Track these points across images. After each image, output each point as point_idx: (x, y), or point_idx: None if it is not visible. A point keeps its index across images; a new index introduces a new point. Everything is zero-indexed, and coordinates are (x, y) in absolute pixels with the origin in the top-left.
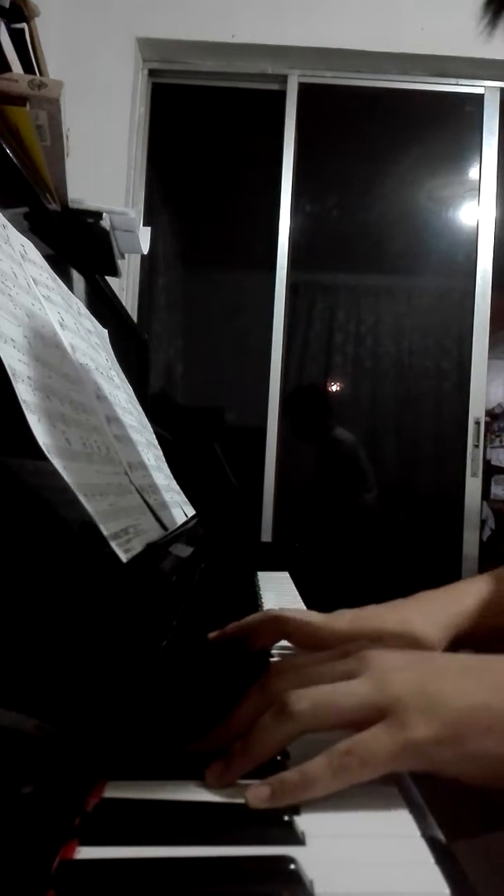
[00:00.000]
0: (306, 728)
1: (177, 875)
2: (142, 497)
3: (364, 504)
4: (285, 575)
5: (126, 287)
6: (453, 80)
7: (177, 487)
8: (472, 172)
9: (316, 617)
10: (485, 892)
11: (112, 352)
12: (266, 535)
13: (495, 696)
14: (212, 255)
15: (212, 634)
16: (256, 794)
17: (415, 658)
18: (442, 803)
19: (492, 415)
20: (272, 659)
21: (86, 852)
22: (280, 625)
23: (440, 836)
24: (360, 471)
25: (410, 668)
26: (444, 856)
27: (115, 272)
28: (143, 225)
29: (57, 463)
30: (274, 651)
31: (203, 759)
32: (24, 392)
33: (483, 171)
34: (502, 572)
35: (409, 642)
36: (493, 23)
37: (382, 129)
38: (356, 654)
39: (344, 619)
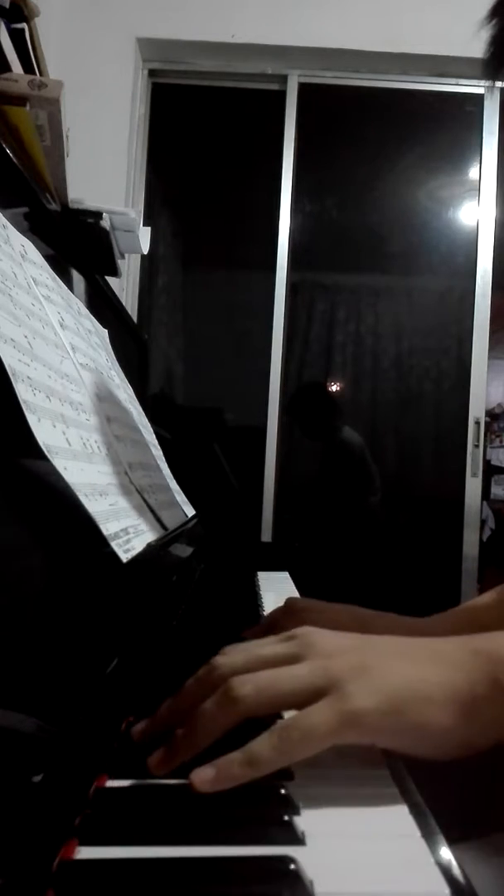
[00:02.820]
0: (249, 712)
1: (177, 875)
2: (142, 497)
3: (368, 507)
4: (285, 575)
5: (126, 287)
6: (453, 80)
7: (177, 487)
8: (472, 172)
9: (327, 614)
10: (485, 893)
11: (112, 352)
12: (266, 535)
13: (432, 671)
14: (212, 255)
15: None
16: (201, 775)
17: (355, 640)
18: (442, 803)
19: (492, 415)
20: None
21: (86, 852)
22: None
23: (440, 835)
24: (366, 474)
25: (350, 649)
26: (444, 856)
27: (115, 272)
28: (143, 225)
29: (57, 463)
30: None
31: (203, 759)
32: (24, 392)
33: (483, 171)
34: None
35: None
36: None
37: (382, 129)
38: (299, 638)
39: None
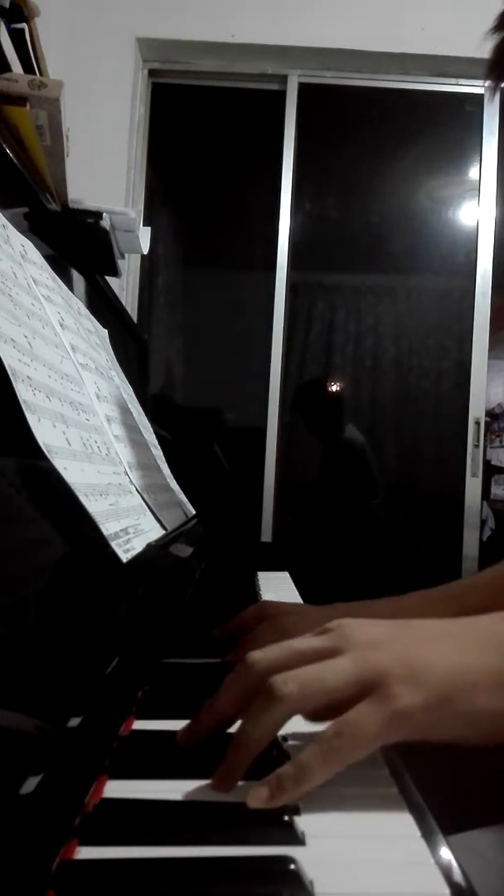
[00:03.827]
0: (295, 710)
1: (177, 875)
2: (142, 497)
3: (368, 511)
4: (285, 575)
5: (126, 287)
6: (453, 80)
7: (177, 487)
8: (472, 172)
9: (310, 616)
10: (482, 884)
11: (112, 352)
12: (266, 535)
13: (475, 654)
14: (212, 255)
15: (216, 632)
16: (256, 795)
17: (393, 629)
18: (440, 792)
19: (492, 415)
20: None
21: (86, 852)
22: (277, 632)
23: (440, 836)
24: (367, 477)
25: (390, 639)
26: (444, 856)
27: (115, 272)
28: (143, 225)
29: (57, 463)
30: None
31: (202, 758)
32: (24, 392)
33: (483, 171)
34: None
35: None
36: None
37: (382, 129)
38: (334, 630)
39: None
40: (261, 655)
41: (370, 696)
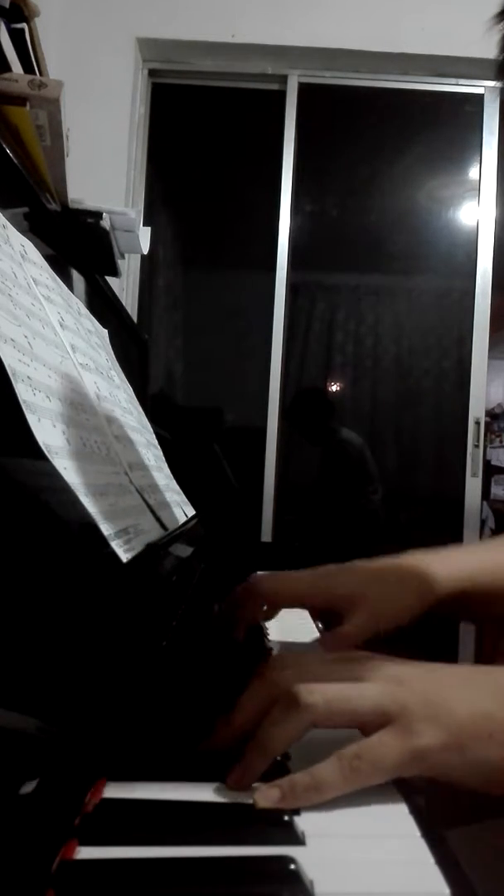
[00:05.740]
0: (316, 722)
1: (177, 875)
2: (142, 497)
3: (370, 506)
4: None
5: (126, 287)
6: (453, 80)
7: (177, 487)
8: (472, 172)
9: (294, 576)
10: (482, 889)
11: (112, 352)
12: (266, 535)
13: (496, 706)
14: (212, 255)
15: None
16: (266, 795)
17: (417, 669)
18: (439, 796)
19: (492, 415)
20: (272, 652)
21: (86, 852)
22: (263, 595)
23: (440, 836)
24: (366, 472)
25: (417, 678)
26: (444, 856)
27: (115, 272)
28: (143, 225)
29: (57, 463)
30: (272, 642)
31: (204, 758)
32: (24, 392)
33: (483, 171)
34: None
35: (393, 598)
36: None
37: (382, 129)
38: (360, 660)
39: (335, 580)
40: (282, 675)
41: (392, 728)
